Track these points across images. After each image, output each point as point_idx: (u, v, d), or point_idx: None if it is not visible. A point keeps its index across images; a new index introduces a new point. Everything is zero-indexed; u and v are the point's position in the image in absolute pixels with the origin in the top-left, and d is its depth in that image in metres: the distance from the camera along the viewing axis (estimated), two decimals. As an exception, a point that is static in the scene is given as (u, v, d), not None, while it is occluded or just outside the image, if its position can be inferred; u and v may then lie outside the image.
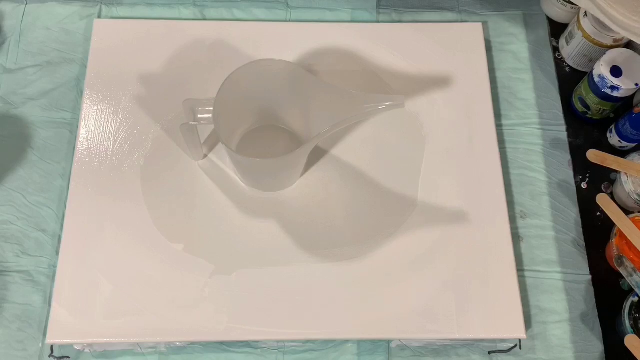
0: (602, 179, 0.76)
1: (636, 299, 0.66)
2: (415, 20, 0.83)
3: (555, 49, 0.83)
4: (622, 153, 0.75)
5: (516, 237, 0.72)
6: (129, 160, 0.72)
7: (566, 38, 0.81)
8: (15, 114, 0.76)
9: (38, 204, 0.72)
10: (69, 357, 0.66)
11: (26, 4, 0.82)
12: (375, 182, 0.72)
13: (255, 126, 0.73)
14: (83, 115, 0.73)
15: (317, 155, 0.73)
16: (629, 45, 0.76)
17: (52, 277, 0.68)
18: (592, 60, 0.76)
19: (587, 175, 0.76)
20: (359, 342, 0.67)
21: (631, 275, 0.65)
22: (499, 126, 0.77)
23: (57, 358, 0.65)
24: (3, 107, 0.76)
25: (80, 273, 0.66)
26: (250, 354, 0.67)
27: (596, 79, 0.73)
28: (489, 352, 0.68)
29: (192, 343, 0.66)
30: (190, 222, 0.69)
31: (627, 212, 0.69)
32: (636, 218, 0.68)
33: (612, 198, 0.71)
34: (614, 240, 0.69)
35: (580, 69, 0.81)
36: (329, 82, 0.64)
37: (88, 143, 0.72)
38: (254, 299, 0.66)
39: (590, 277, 0.71)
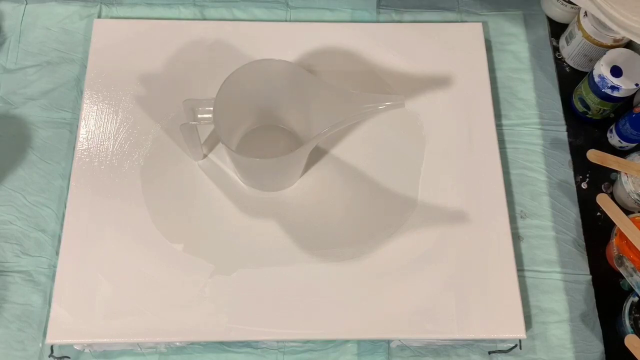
0: (602, 179, 0.76)
1: (636, 299, 0.66)
2: (415, 20, 0.83)
3: (555, 49, 0.83)
4: (622, 153, 0.75)
5: (516, 237, 0.72)
6: (129, 160, 0.72)
7: (566, 38, 0.81)
8: (15, 114, 0.76)
9: (38, 204, 0.72)
10: (69, 357, 0.66)
11: (26, 4, 0.82)
12: (376, 182, 0.72)
13: (255, 126, 0.73)
14: (83, 115, 0.73)
15: (317, 155, 0.73)
16: (629, 45, 0.76)
17: (52, 277, 0.68)
18: (592, 60, 0.76)
19: (587, 175, 0.76)
20: (359, 342, 0.67)
21: (631, 275, 0.65)
22: (499, 126, 0.77)
23: (57, 358, 0.65)
24: (3, 107, 0.76)
25: (80, 273, 0.66)
26: (250, 354, 0.67)
27: (596, 79, 0.73)
28: (489, 352, 0.68)
29: (192, 343, 0.66)
30: (190, 222, 0.69)
31: (627, 212, 0.69)
32: (636, 218, 0.68)
33: (612, 198, 0.71)
34: (614, 240, 0.69)
35: (580, 69, 0.81)
36: (329, 82, 0.64)
37: (88, 143, 0.72)
38: (254, 299, 0.66)
39: (590, 277, 0.71)
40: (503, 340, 0.67)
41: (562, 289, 0.70)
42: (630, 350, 0.62)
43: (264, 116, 0.72)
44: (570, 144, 0.77)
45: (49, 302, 0.67)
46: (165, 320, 0.64)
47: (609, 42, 0.75)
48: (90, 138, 0.72)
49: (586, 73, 0.77)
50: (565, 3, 0.81)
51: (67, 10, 0.81)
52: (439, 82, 0.77)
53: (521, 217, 0.73)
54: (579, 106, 0.78)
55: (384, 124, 0.75)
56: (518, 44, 0.83)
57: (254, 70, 0.63)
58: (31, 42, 0.80)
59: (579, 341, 0.68)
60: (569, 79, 0.81)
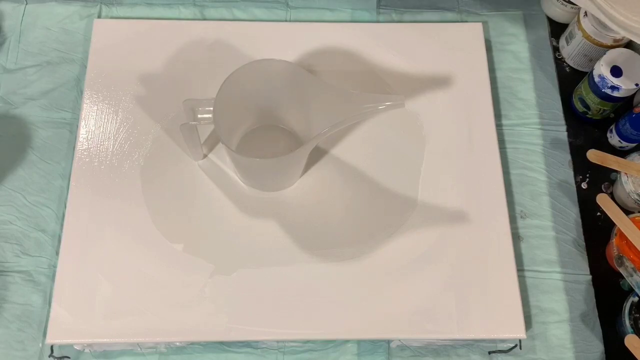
0: (602, 179, 0.76)
1: (636, 299, 0.66)
2: (415, 20, 0.83)
3: (556, 49, 0.83)
4: (622, 153, 0.75)
5: (516, 237, 0.72)
6: (129, 160, 0.72)
7: (566, 38, 0.81)
8: (15, 114, 0.76)
9: (38, 204, 0.72)
10: (69, 357, 0.66)
11: (26, 4, 0.82)
12: (376, 182, 0.72)
13: (255, 126, 0.73)
14: (83, 115, 0.73)
15: (317, 155, 0.73)
16: (629, 45, 0.76)
17: (52, 277, 0.68)
18: (592, 60, 0.76)
19: (587, 175, 0.76)
20: (359, 342, 0.67)
21: (631, 275, 0.65)
22: (499, 126, 0.77)
23: (57, 358, 0.65)
24: (3, 107, 0.76)
25: (80, 273, 0.66)
26: (250, 354, 0.67)
27: (596, 79, 0.73)
28: (489, 352, 0.68)
29: (192, 343, 0.66)
30: (190, 222, 0.69)
31: (627, 212, 0.69)
32: (636, 218, 0.68)
33: (612, 198, 0.71)
34: (614, 240, 0.69)
35: (580, 69, 0.81)
36: (329, 82, 0.64)
37: (88, 143, 0.72)
38: (254, 299, 0.66)
39: (590, 277, 0.71)
40: (503, 340, 0.67)
41: (562, 289, 0.70)
42: (630, 350, 0.62)
43: (264, 116, 0.72)
44: (570, 144, 0.77)
45: (49, 302, 0.67)
46: (165, 320, 0.64)
47: (609, 42, 0.75)
48: (90, 138, 0.72)
49: (586, 73, 0.77)
50: (565, 3, 0.81)
51: (67, 10, 0.81)
52: (439, 82, 0.77)
53: (521, 217, 0.73)
54: (579, 106, 0.78)
55: (384, 124, 0.75)
56: (518, 44, 0.83)
57: (254, 70, 0.63)
58: (31, 42, 0.80)
59: (579, 341, 0.68)
60: (569, 79, 0.81)
